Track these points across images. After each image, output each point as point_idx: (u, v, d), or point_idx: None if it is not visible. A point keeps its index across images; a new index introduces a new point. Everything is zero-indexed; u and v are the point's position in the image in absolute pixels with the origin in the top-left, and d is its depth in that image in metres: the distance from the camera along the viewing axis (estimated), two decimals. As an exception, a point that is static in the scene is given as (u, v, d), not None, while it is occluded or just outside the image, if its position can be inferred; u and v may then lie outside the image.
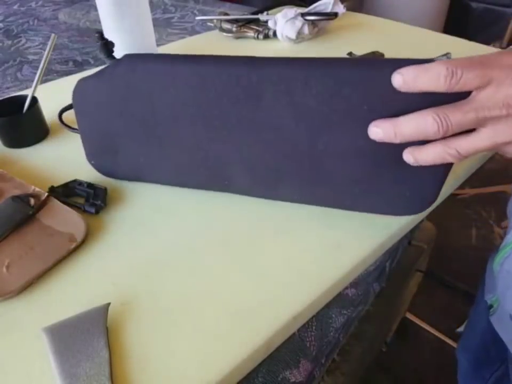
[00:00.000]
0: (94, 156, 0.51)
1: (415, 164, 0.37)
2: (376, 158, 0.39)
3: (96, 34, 0.49)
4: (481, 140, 0.34)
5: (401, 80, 0.33)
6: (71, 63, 1.00)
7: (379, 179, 0.41)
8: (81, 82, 0.46)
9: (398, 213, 0.44)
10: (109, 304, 0.37)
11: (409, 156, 0.37)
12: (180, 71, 0.41)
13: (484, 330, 0.70)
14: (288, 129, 0.41)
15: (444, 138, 0.34)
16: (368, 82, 0.36)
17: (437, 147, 0.35)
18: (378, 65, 0.36)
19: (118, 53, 0.74)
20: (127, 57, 0.43)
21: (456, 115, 0.33)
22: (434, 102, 0.34)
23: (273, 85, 0.39)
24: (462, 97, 0.33)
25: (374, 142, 0.37)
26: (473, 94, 0.33)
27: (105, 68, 0.45)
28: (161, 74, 0.42)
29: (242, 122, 0.42)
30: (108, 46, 0.49)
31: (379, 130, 0.36)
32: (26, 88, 0.77)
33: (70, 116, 0.58)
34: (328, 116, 0.39)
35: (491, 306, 0.57)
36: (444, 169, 0.39)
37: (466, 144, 0.34)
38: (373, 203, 0.43)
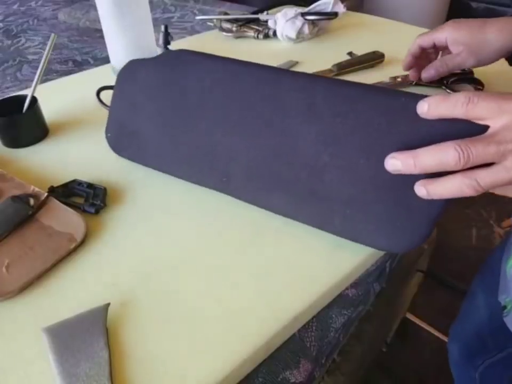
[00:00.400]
0: (113, 130, 0.55)
1: (427, 197, 0.36)
2: (373, 181, 0.40)
3: (162, 26, 0.57)
4: (502, 172, 0.33)
5: (426, 106, 0.35)
6: (70, 63, 1.00)
7: (372, 202, 0.40)
8: (132, 62, 0.52)
9: (383, 245, 0.41)
10: (108, 304, 0.37)
11: (422, 189, 0.36)
12: (220, 67, 0.47)
13: (481, 322, 0.71)
14: (300, 135, 0.43)
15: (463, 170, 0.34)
16: (384, 104, 0.39)
17: (456, 178, 0.34)
18: (397, 94, 0.39)
19: (117, 52, 0.74)
20: (182, 50, 0.50)
21: (478, 146, 0.33)
22: (446, 135, 0.35)
23: (296, 91, 0.43)
24: (480, 131, 0.34)
25: (374, 165, 0.38)
26: (492, 127, 0.34)
27: (159, 55, 0.52)
28: (202, 66, 0.47)
29: (258, 121, 0.45)
30: (167, 38, 0.57)
31: (397, 162, 0.36)
32: (26, 87, 0.77)
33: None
34: (339, 127, 0.40)
35: (505, 307, 0.57)
36: (441, 207, 0.38)
37: (486, 175, 0.34)
38: (360, 227, 0.41)
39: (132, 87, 0.52)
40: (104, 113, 0.67)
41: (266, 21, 0.91)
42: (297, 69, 0.77)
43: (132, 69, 0.52)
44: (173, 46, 0.90)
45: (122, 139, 0.54)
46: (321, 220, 0.43)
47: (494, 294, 0.69)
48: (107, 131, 0.55)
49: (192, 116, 0.48)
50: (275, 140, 0.44)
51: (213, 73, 0.47)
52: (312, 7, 0.90)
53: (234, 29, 0.91)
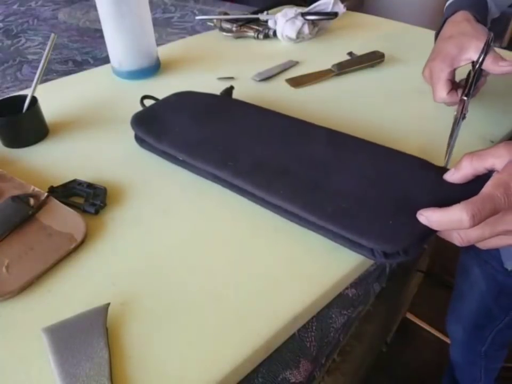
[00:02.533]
0: (141, 119, 0.57)
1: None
2: (376, 186, 0.44)
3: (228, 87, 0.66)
4: None
5: (427, 221, 0.37)
6: (70, 63, 1.00)
7: (368, 201, 0.42)
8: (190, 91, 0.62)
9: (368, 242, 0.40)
10: (108, 304, 0.37)
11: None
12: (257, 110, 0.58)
13: (482, 294, 0.74)
14: (318, 153, 0.49)
15: None
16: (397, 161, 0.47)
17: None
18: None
19: (117, 52, 0.74)
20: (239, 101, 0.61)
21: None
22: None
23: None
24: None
25: (377, 175, 0.45)
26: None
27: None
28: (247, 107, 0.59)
29: (280, 138, 0.52)
30: (230, 92, 0.65)
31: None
32: (26, 88, 0.77)
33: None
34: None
35: None
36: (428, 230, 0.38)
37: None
38: (351, 220, 0.41)
39: (182, 97, 0.61)
40: (104, 113, 0.67)
41: (266, 21, 0.91)
42: (297, 68, 0.77)
43: (186, 93, 0.62)
44: (174, 46, 0.91)
45: (150, 118, 0.57)
46: (315, 207, 0.42)
47: (488, 261, 0.71)
48: (137, 114, 0.58)
49: (225, 122, 0.55)
50: (287, 146, 0.50)
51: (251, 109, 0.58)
52: (312, 7, 0.90)
53: (234, 29, 0.91)
